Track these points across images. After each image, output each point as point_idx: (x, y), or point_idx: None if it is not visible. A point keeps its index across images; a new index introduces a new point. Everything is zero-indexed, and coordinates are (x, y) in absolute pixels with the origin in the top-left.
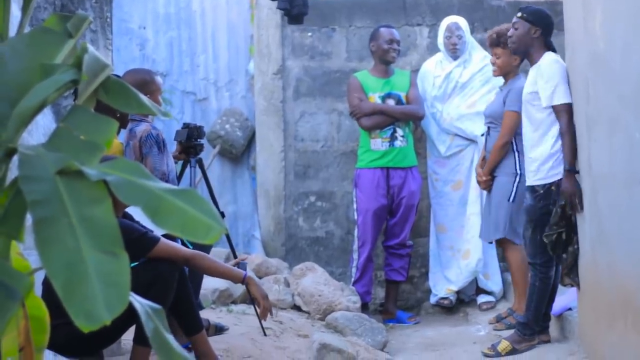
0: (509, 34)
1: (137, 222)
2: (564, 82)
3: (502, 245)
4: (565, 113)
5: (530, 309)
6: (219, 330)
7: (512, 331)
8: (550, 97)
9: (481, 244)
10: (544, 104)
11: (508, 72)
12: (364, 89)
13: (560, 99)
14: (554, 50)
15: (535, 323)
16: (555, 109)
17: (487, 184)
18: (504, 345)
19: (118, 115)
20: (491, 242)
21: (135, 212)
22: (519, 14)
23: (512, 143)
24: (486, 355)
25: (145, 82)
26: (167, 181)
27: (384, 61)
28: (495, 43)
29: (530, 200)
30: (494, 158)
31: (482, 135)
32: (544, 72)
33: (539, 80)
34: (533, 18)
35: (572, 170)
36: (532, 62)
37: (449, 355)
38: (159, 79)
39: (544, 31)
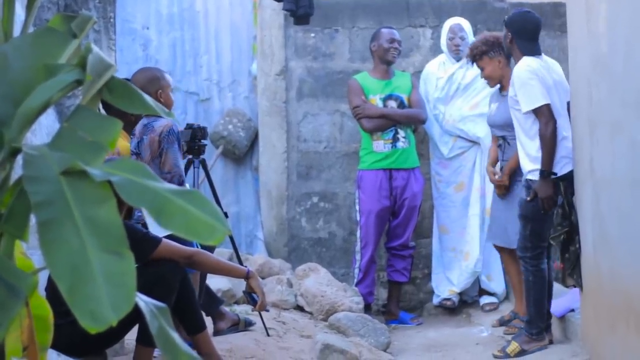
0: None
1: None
2: (533, 86)
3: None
4: (541, 115)
5: (530, 305)
6: (249, 324)
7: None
8: (526, 102)
9: (479, 244)
10: (523, 110)
11: (501, 76)
12: (364, 91)
13: (534, 102)
14: (528, 54)
15: (540, 319)
16: (534, 112)
17: (504, 189)
18: (513, 346)
19: (133, 118)
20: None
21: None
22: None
23: None
24: (496, 357)
25: (156, 78)
26: (182, 178)
27: (385, 61)
28: (473, 58)
29: (525, 195)
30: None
31: (499, 146)
32: (515, 81)
33: (516, 88)
34: (507, 23)
35: (547, 173)
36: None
37: (452, 357)
38: (168, 76)
39: (515, 35)
